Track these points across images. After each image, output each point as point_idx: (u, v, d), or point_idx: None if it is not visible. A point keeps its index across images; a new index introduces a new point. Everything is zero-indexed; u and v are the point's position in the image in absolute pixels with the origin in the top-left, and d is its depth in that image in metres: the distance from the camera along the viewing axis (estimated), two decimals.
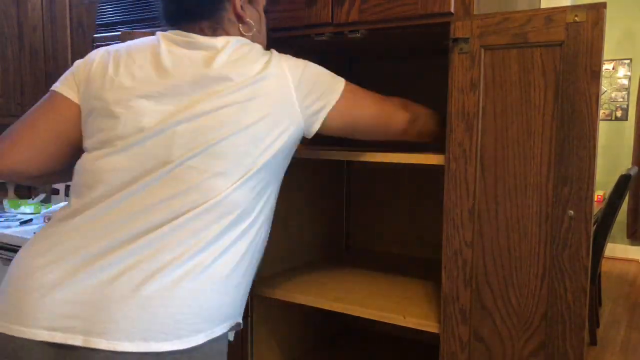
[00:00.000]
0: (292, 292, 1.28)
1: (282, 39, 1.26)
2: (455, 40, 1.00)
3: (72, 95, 0.97)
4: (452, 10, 1.02)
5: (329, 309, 1.22)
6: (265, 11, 1.07)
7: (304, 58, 1.01)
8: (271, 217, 1.02)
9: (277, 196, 1.03)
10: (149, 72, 0.92)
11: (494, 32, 0.97)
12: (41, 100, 0.99)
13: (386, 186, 1.69)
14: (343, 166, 1.75)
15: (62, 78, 1.00)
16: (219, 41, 0.93)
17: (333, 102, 0.99)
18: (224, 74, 0.89)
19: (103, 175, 0.89)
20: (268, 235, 1.02)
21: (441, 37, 1.08)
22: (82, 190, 0.90)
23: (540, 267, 0.97)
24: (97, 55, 1.00)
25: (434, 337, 1.10)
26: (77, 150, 0.97)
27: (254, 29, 1.02)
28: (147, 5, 1.89)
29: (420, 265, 1.55)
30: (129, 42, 1.01)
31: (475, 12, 1.02)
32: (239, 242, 0.91)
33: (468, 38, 0.99)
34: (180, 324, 0.83)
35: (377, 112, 1.06)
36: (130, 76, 0.92)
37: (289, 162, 1.04)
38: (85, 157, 0.93)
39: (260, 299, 1.36)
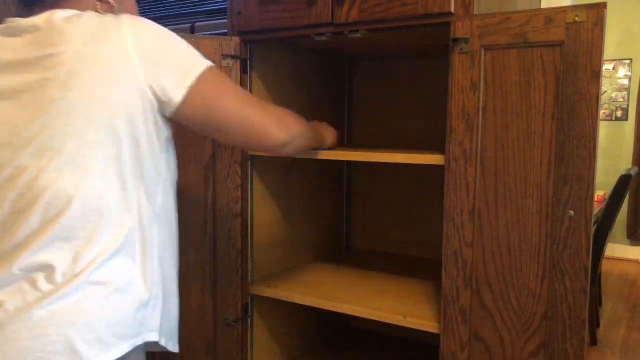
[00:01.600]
0: (292, 292, 1.28)
1: (282, 39, 1.26)
2: (456, 40, 1.00)
3: None
4: (452, 10, 1.02)
5: (329, 309, 1.22)
6: None
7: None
8: None
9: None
10: None
11: (494, 32, 0.97)
12: None
13: (386, 186, 1.69)
14: (343, 166, 1.75)
15: None
16: (39, 17, 0.79)
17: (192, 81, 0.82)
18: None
19: None
20: None
21: (441, 37, 1.08)
22: None
23: (540, 267, 0.97)
24: None
25: (434, 337, 1.10)
26: None
27: (115, 5, 0.87)
28: (147, 6, 1.89)
29: (420, 265, 1.55)
30: None
31: (475, 12, 1.02)
32: None
33: (468, 38, 0.99)
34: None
35: (249, 115, 0.89)
36: None
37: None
38: None
39: (260, 299, 1.36)
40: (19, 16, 0.84)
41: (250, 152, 1.30)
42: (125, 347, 0.77)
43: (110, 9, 0.86)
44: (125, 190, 0.79)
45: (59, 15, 0.79)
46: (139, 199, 0.81)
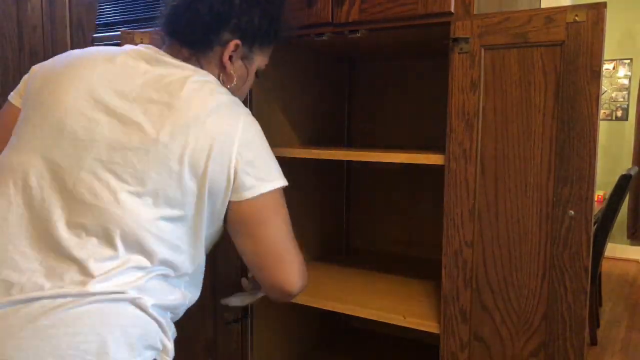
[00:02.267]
0: None
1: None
2: (456, 40, 1.00)
3: (15, 98, 0.94)
4: (452, 10, 1.02)
5: (329, 309, 1.22)
6: (257, 75, 1.04)
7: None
8: None
9: None
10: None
11: (494, 32, 0.97)
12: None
13: (386, 186, 1.69)
14: (343, 166, 1.75)
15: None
16: (188, 67, 0.90)
17: (262, 191, 0.88)
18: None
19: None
20: None
21: (441, 37, 1.08)
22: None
23: (541, 267, 0.97)
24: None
25: (434, 337, 1.09)
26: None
27: (233, 84, 0.97)
28: (147, 5, 1.89)
29: (420, 265, 1.55)
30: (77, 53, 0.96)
31: (475, 12, 1.02)
32: None
33: (468, 38, 0.99)
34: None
35: (284, 249, 0.92)
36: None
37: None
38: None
39: (260, 299, 1.36)
40: (165, 45, 0.95)
41: None
42: (149, 356, 0.82)
43: (231, 82, 0.96)
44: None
45: (192, 82, 0.87)
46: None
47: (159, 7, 1.02)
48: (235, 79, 0.97)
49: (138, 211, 0.81)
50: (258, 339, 1.38)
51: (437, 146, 1.32)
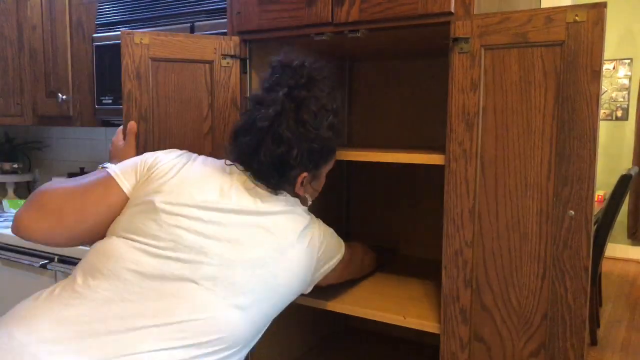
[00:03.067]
0: None
1: (281, 38, 1.26)
2: (456, 40, 1.00)
3: (126, 187, 1.00)
4: (452, 10, 1.02)
5: (329, 309, 1.22)
6: (327, 176, 1.16)
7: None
8: None
9: None
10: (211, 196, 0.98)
11: (494, 32, 0.97)
12: (96, 178, 1.02)
13: (386, 186, 1.69)
14: (343, 166, 1.74)
15: (124, 165, 1.04)
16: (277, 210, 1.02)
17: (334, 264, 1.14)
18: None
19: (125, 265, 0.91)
20: None
21: (441, 37, 1.08)
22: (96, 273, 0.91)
23: (541, 267, 0.97)
24: (170, 156, 1.06)
25: (434, 337, 1.09)
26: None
27: (309, 203, 1.12)
28: (147, 5, 1.89)
29: (420, 265, 1.55)
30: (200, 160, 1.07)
31: (475, 12, 1.02)
32: None
33: (468, 38, 0.99)
34: None
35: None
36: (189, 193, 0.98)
37: None
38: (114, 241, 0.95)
39: None
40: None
41: None
42: None
43: (306, 204, 1.11)
44: None
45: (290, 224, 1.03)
46: None
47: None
48: (310, 200, 1.12)
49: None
50: (258, 339, 1.38)
51: (437, 146, 1.32)
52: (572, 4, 1.27)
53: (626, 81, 4.70)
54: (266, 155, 0.99)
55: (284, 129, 0.98)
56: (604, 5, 0.88)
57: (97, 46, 2.01)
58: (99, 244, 0.96)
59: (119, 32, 1.88)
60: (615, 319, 3.26)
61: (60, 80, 2.18)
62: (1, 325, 0.85)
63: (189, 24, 1.75)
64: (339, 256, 1.14)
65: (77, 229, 0.98)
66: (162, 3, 1.85)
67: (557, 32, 0.92)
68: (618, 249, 4.76)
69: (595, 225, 2.80)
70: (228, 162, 1.04)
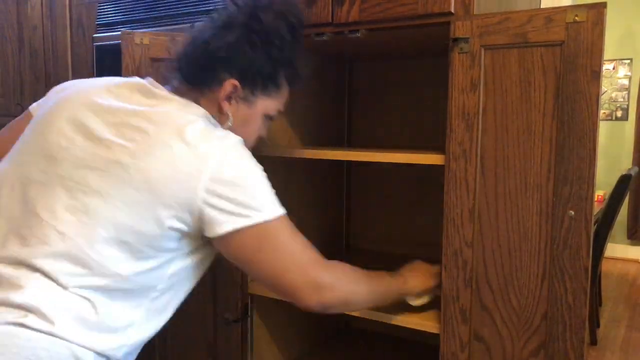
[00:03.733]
0: None
1: None
2: (456, 40, 1.00)
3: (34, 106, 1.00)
4: (452, 10, 1.02)
5: None
6: (270, 118, 1.03)
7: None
8: None
9: None
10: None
11: (494, 32, 0.97)
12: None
13: (386, 186, 1.69)
14: (343, 166, 1.75)
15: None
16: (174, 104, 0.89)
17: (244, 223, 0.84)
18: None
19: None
20: None
21: (441, 37, 1.08)
22: None
23: (541, 267, 0.97)
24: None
25: (434, 337, 1.09)
26: None
27: (229, 124, 0.95)
28: (147, 5, 1.89)
29: None
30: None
31: (475, 12, 1.02)
32: None
33: (468, 38, 0.99)
34: None
35: (282, 277, 0.88)
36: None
37: None
38: None
39: (260, 299, 1.36)
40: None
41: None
42: None
43: (224, 122, 0.94)
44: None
45: (175, 111, 0.87)
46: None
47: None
48: (230, 119, 0.94)
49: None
50: (258, 339, 1.38)
51: (437, 146, 1.32)
52: (572, 4, 1.27)
53: (626, 81, 4.70)
54: (201, 40, 0.92)
55: (232, 16, 0.92)
56: (604, 5, 0.88)
57: (97, 46, 2.02)
58: None
59: (119, 32, 1.88)
60: (615, 319, 3.26)
61: (60, 80, 2.18)
62: None
63: (189, 24, 1.75)
64: (259, 215, 0.84)
65: None
66: (163, 3, 1.85)
67: (557, 32, 0.92)
68: (618, 249, 4.76)
69: (595, 225, 2.80)
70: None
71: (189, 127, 0.83)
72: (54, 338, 0.76)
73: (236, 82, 0.93)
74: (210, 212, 0.82)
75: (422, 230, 1.63)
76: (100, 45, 1.99)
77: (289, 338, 1.51)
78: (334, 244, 1.72)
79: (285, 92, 1.03)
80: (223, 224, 0.83)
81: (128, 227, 0.80)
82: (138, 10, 1.91)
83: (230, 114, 0.94)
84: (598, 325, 3.05)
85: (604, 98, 4.72)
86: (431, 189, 1.61)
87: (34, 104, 1.01)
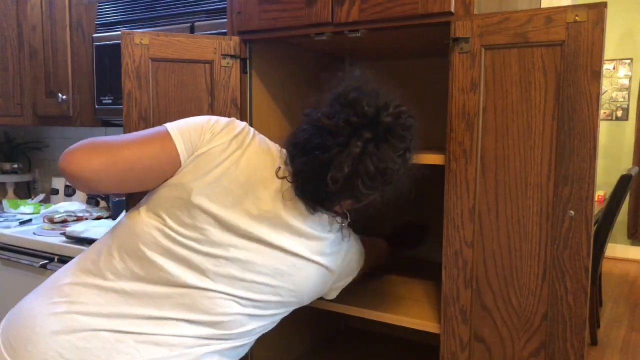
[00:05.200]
0: None
1: (281, 38, 1.26)
2: (456, 39, 1.00)
3: (183, 152, 0.97)
4: (453, 10, 1.02)
5: (329, 309, 1.22)
6: None
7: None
8: None
9: None
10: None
11: (494, 32, 0.97)
12: (155, 134, 0.98)
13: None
14: None
15: (183, 124, 1.00)
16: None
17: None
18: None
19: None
20: None
21: (441, 37, 1.08)
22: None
23: (541, 267, 0.97)
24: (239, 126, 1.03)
25: (434, 337, 1.09)
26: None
27: (348, 219, 1.08)
28: (147, 6, 1.89)
29: (420, 265, 1.55)
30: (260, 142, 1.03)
31: (475, 12, 1.02)
32: None
33: (468, 38, 0.99)
34: None
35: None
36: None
37: None
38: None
39: None
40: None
41: None
42: None
43: (345, 217, 1.07)
44: None
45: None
46: None
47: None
48: (349, 215, 1.07)
49: None
50: (258, 339, 1.38)
51: (437, 146, 1.32)
52: (572, 4, 1.27)
53: (626, 81, 4.70)
54: (312, 184, 0.94)
55: (339, 170, 0.90)
56: (604, 5, 0.88)
57: (97, 46, 2.01)
58: (130, 222, 0.97)
59: (119, 32, 1.88)
60: (615, 319, 3.26)
61: (60, 80, 2.18)
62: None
63: (188, 24, 1.75)
64: (359, 268, 1.18)
65: (129, 175, 0.93)
66: (162, 3, 1.85)
67: (557, 32, 0.92)
68: (618, 249, 4.75)
69: (595, 225, 2.80)
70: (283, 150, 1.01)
71: (328, 250, 1.08)
72: None
73: (350, 201, 1.02)
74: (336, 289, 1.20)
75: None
76: (100, 45, 1.99)
77: (289, 338, 1.51)
78: None
79: None
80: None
81: None
82: (138, 10, 1.91)
83: (347, 218, 1.09)
84: (598, 326, 3.05)
85: (604, 98, 4.72)
86: (431, 189, 1.61)
87: (183, 143, 0.98)
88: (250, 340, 1.04)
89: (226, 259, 0.94)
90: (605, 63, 4.65)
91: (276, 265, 0.97)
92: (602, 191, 3.98)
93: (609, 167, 4.70)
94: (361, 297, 1.24)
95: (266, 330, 1.07)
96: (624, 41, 4.68)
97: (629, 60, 4.67)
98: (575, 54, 0.91)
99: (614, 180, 3.06)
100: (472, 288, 1.03)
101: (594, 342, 2.84)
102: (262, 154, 1.00)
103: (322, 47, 1.40)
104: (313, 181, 0.93)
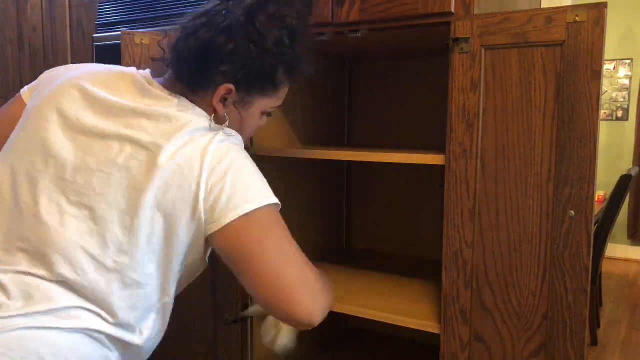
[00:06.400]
0: None
1: None
2: (456, 39, 1.00)
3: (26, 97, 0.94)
4: (453, 9, 1.02)
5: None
6: (268, 114, 1.00)
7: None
8: None
9: None
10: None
11: (494, 32, 0.97)
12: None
13: (386, 186, 1.69)
14: (343, 166, 1.74)
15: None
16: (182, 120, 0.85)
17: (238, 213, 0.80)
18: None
19: None
20: None
21: (441, 37, 1.08)
22: None
23: (541, 267, 0.97)
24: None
25: (434, 337, 1.09)
26: None
27: (225, 125, 0.91)
28: (147, 5, 1.89)
29: (420, 265, 1.55)
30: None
31: (475, 12, 1.02)
32: None
33: (468, 38, 0.99)
34: None
35: (286, 276, 0.83)
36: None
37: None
38: None
39: None
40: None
41: (251, 152, 1.29)
42: None
43: (219, 123, 0.90)
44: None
45: (185, 131, 0.83)
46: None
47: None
48: (227, 121, 0.91)
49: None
50: (258, 339, 1.38)
51: (437, 146, 1.32)
52: (572, 4, 1.27)
53: (626, 81, 4.70)
54: (196, 39, 0.86)
55: (229, 19, 0.85)
56: (604, 5, 0.88)
57: (97, 46, 2.01)
58: None
59: (119, 32, 1.88)
60: (615, 319, 3.26)
61: None
62: None
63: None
64: (257, 203, 0.82)
65: None
66: (162, 3, 1.85)
67: (557, 32, 0.92)
68: (618, 249, 4.75)
69: (595, 225, 2.80)
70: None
71: (191, 148, 0.82)
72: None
73: (231, 86, 0.88)
74: (210, 210, 0.81)
75: (422, 230, 1.63)
76: (100, 45, 1.99)
77: None
78: (334, 244, 1.72)
79: (284, 88, 0.98)
80: (223, 217, 0.80)
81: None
82: (138, 10, 1.91)
83: (226, 117, 0.91)
84: (598, 326, 3.05)
85: (604, 98, 4.72)
86: (431, 189, 1.61)
87: (25, 88, 0.94)
88: None
89: None
90: (605, 63, 4.65)
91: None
92: (602, 191, 3.97)
93: (609, 167, 4.70)
94: (361, 297, 1.24)
95: None
96: (624, 41, 4.68)
97: (629, 60, 4.67)
98: (575, 54, 0.91)
99: (614, 180, 3.06)
100: (472, 288, 1.03)
101: (594, 342, 2.84)
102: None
103: (322, 47, 1.40)
104: (193, 37, 0.86)
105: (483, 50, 0.98)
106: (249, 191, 0.82)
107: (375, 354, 1.56)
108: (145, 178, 0.79)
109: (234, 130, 0.91)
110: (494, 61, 0.98)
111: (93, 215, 0.80)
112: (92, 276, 0.79)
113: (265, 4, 0.89)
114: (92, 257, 0.79)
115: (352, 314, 1.18)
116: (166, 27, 0.96)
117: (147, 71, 0.92)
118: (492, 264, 1.01)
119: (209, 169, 0.80)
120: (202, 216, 0.81)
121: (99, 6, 2.05)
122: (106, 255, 0.79)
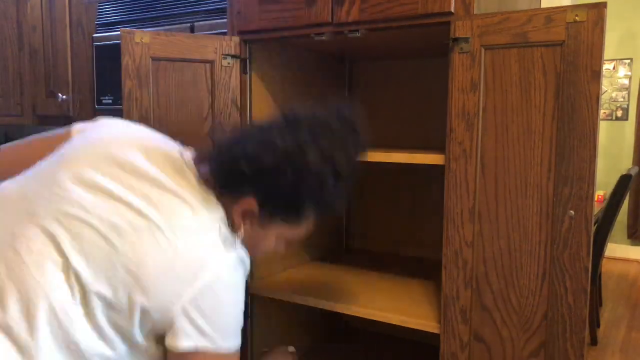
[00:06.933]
0: (292, 292, 1.28)
1: (282, 38, 1.26)
2: (456, 39, 1.00)
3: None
4: (453, 9, 1.02)
5: (329, 309, 1.22)
6: (288, 242, 0.99)
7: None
8: None
9: None
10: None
11: (494, 32, 0.97)
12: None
13: (386, 186, 1.69)
14: None
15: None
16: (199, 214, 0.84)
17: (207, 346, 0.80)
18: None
19: None
20: None
21: (441, 37, 1.08)
22: None
23: (541, 267, 0.97)
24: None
25: (434, 337, 1.09)
26: None
27: (240, 236, 0.89)
28: (147, 6, 1.89)
29: (420, 265, 1.55)
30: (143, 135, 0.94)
31: (475, 12, 1.02)
32: None
33: (468, 38, 0.99)
34: None
35: None
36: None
37: None
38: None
39: (260, 299, 1.36)
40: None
41: None
42: None
43: (238, 233, 0.88)
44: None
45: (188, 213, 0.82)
46: None
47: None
48: (242, 234, 0.89)
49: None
50: (258, 339, 1.38)
51: (437, 146, 1.32)
52: (572, 4, 1.27)
53: (626, 81, 4.70)
54: (241, 149, 0.85)
55: (281, 142, 0.84)
56: (604, 5, 0.88)
57: (97, 46, 2.02)
58: None
59: (119, 32, 1.88)
60: (615, 319, 3.26)
61: (60, 80, 2.18)
62: None
63: (188, 24, 1.75)
64: (213, 346, 0.81)
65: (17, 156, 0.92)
66: (162, 3, 1.85)
67: (557, 32, 0.92)
68: (618, 249, 4.75)
69: (595, 225, 2.80)
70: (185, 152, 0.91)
71: (195, 248, 0.80)
72: None
73: (254, 203, 0.86)
74: (182, 322, 0.79)
75: (422, 230, 1.63)
76: (100, 45, 1.99)
77: (289, 338, 1.51)
78: (334, 244, 1.72)
79: (308, 224, 0.97)
80: (189, 338, 0.79)
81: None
82: (138, 10, 1.91)
83: (242, 229, 0.89)
84: (598, 326, 3.05)
85: (604, 98, 4.71)
86: (431, 189, 1.61)
87: (79, 125, 0.94)
88: None
89: None
90: (605, 63, 4.65)
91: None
92: (602, 191, 3.97)
93: (609, 167, 4.70)
94: (361, 297, 1.24)
95: None
96: (624, 41, 4.68)
97: (629, 60, 4.67)
98: (575, 54, 0.91)
99: (614, 180, 3.06)
100: (472, 288, 1.03)
101: (593, 342, 2.84)
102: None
103: (322, 47, 1.40)
104: (230, 148, 0.86)
105: (483, 50, 0.98)
106: (218, 329, 0.81)
107: (375, 354, 1.56)
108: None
109: (243, 247, 0.88)
110: (494, 61, 0.98)
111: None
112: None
113: (320, 138, 0.87)
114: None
115: (352, 314, 1.18)
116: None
117: (190, 155, 0.91)
118: (492, 264, 1.01)
119: (199, 290, 0.79)
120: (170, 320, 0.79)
121: (99, 6, 2.05)
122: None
